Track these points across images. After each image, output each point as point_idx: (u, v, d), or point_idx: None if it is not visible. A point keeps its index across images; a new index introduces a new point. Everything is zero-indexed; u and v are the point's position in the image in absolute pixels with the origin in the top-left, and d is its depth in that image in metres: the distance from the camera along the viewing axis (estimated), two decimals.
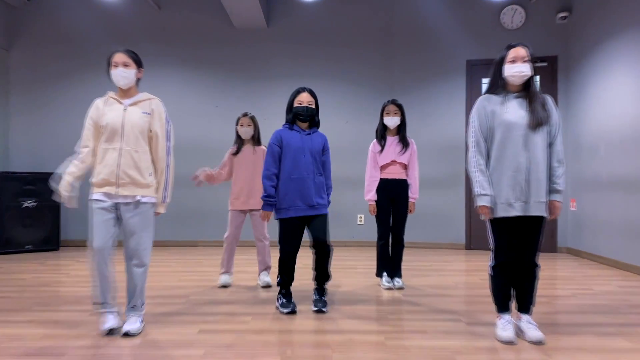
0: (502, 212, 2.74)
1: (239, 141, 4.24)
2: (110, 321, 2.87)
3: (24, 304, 3.55)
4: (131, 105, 2.93)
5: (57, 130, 6.56)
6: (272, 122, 6.56)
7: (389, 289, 4.12)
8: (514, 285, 2.87)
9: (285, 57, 6.81)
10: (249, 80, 6.83)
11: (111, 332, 2.85)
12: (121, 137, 2.84)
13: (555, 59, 6.38)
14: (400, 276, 4.22)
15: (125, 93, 2.96)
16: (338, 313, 3.38)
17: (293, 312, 3.34)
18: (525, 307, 2.86)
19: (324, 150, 3.55)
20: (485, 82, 6.49)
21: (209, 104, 6.80)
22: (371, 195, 4.15)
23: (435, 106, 6.61)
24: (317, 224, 3.41)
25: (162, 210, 3.03)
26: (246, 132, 4.20)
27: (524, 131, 2.73)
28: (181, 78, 6.83)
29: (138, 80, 3.03)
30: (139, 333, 2.89)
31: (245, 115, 4.23)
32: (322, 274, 3.48)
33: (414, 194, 4.22)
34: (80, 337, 2.82)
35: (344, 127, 6.67)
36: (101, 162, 2.84)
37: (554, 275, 4.80)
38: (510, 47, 2.82)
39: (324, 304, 3.42)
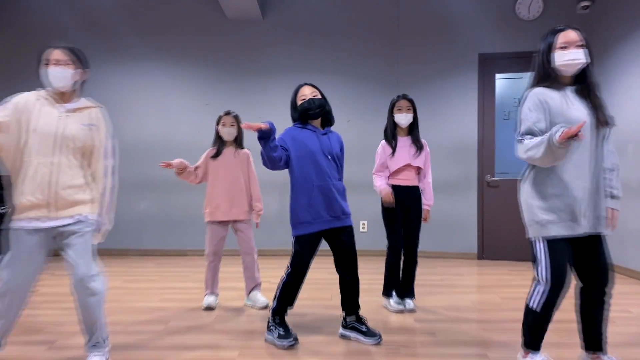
0: (564, 230, 2.24)
1: (219, 142, 3.73)
2: None
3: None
4: (69, 112, 2.42)
5: None
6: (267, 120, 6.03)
7: (399, 311, 3.60)
8: (582, 316, 2.38)
9: (282, 51, 6.29)
10: (243, 76, 6.30)
11: None
12: (53, 149, 2.34)
13: None
14: (412, 296, 3.70)
15: (62, 96, 2.45)
16: (341, 346, 2.87)
17: (295, 343, 2.83)
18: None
19: (342, 151, 3.11)
20: (500, 78, 5.98)
21: (199, 101, 6.28)
22: (383, 181, 3.62)
23: (444, 103, 6.09)
24: (347, 240, 2.93)
25: (99, 239, 2.52)
26: (229, 132, 3.69)
27: (590, 132, 2.24)
28: (168, 73, 6.31)
29: (82, 83, 2.51)
30: None
31: (228, 113, 3.71)
32: (354, 302, 3.00)
33: (428, 200, 3.73)
34: None
35: (346, 126, 6.15)
36: (26, 180, 2.32)
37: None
38: (557, 31, 2.33)
39: (376, 334, 2.94)
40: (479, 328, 3.24)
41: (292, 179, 2.91)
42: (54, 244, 2.40)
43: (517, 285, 4.55)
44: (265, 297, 3.78)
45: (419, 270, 5.17)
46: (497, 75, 5.96)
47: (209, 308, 3.67)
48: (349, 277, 2.96)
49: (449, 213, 6.03)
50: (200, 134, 6.03)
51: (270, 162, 2.77)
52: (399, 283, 3.68)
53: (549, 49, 2.33)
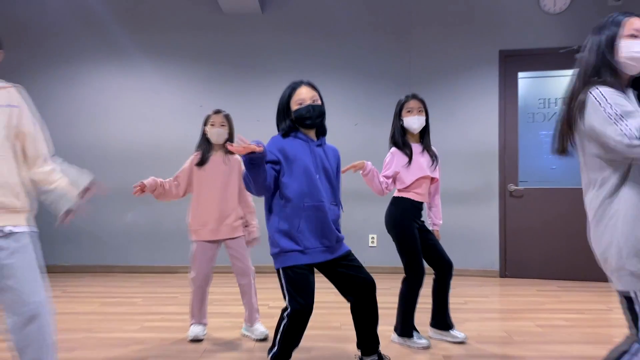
0: None
1: (206, 146, 3.17)
2: None
3: None
4: None
5: None
6: (266, 125, 5.47)
7: (426, 347, 3.00)
8: None
9: (282, 48, 5.76)
10: (240, 75, 5.76)
11: None
12: None
13: None
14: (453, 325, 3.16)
15: None
16: None
17: None
18: None
19: (337, 169, 2.52)
20: (523, 77, 5.44)
21: (193, 102, 5.73)
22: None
23: (462, 104, 5.54)
24: (355, 265, 2.37)
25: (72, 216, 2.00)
26: (218, 134, 3.13)
27: None
28: (158, 72, 5.77)
29: None
30: None
31: (218, 112, 3.17)
32: (373, 337, 2.44)
33: (439, 219, 3.26)
34: None
35: (353, 130, 5.60)
36: None
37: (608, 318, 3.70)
38: (622, 16, 1.80)
39: None
40: None
41: (274, 198, 2.30)
42: None
43: (552, 310, 3.97)
44: (264, 326, 3.19)
45: None
46: (520, 74, 5.42)
47: (196, 340, 3.09)
48: (364, 305, 2.38)
49: (467, 226, 5.45)
50: (193, 138, 5.46)
51: (258, 189, 2.18)
52: (435, 316, 3.14)
53: (612, 39, 1.78)
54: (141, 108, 5.75)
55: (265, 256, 5.84)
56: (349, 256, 2.39)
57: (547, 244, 5.21)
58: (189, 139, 5.50)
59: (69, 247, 5.56)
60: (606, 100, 1.71)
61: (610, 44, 1.80)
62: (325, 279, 2.39)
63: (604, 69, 1.80)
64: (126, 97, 5.76)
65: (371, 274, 2.39)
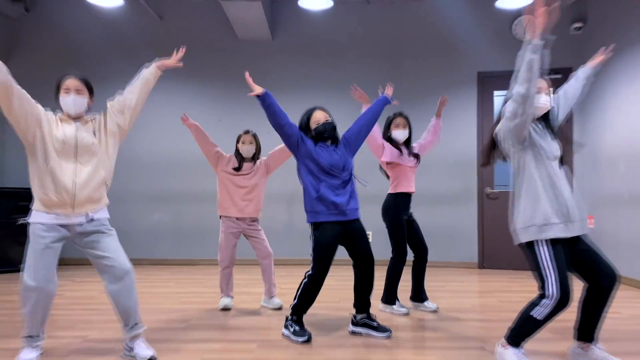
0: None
1: (240, 159, 4.02)
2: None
3: (14, 329, 3.29)
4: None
5: None
6: (276, 136, 6.32)
7: (406, 314, 3.83)
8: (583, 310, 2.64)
9: (290, 69, 6.62)
10: None
11: None
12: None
13: (569, 71, 6.11)
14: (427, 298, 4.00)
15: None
16: (352, 340, 3.12)
17: (309, 340, 3.07)
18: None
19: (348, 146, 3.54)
20: (498, 95, 6.28)
21: (212, 116, 6.59)
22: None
23: (445, 119, 6.31)
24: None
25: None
26: (248, 150, 3.99)
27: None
28: (183, 90, 6.63)
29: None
30: None
31: (247, 132, 4.04)
32: (366, 300, 3.31)
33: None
34: None
35: None
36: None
37: (577, 298, 4.51)
38: None
39: (387, 329, 3.22)
40: (479, 326, 3.49)
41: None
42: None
43: (515, 291, 4.79)
44: (279, 298, 4.02)
45: None
46: (496, 93, 6.26)
47: (226, 309, 3.92)
48: (363, 274, 3.22)
49: (450, 224, 6.30)
50: None
51: (273, 124, 3.29)
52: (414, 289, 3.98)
53: None
54: (167, 122, 6.60)
55: (278, 249, 6.69)
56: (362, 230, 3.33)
57: None
58: None
59: None
60: None
61: None
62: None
63: None
64: (153, 113, 6.61)
65: None
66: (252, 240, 4.00)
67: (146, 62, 3.27)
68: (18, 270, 5.91)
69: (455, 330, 3.36)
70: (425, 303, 3.94)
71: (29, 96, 2.60)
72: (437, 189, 6.24)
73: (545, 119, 2.71)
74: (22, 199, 5.84)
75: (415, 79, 6.47)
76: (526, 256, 2.60)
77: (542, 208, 2.48)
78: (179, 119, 6.64)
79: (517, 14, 6.24)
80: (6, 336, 3.15)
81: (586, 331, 2.61)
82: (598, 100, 5.75)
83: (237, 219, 3.92)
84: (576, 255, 2.55)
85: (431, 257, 6.25)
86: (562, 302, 2.42)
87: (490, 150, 2.77)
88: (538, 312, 2.46)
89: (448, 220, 6.29)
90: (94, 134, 2.73)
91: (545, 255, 2.47)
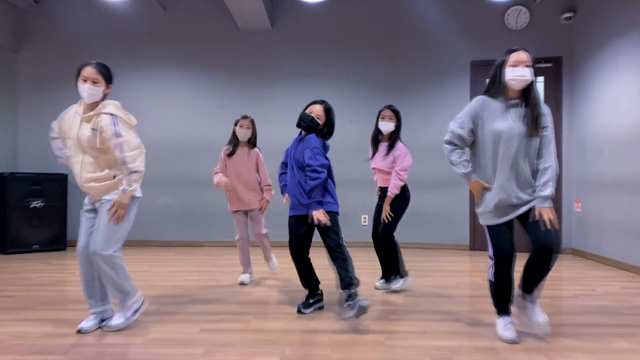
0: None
1: (235, 142, 4.28)
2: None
3: (30, 303, 3.60)
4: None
5: None
6: (276, 124, 6.59)
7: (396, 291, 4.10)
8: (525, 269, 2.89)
9: (289, 58, 6.84)
10: (254, 82, 6.86)
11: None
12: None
13: (559, 60, 6.36)
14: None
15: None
16: (334, 311, 3.40)
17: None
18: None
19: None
20: None
21: (214, 105, 6.84)
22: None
23: (439, 106, 6.61)
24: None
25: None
26: (244, 134, 4.24)
27: (517, 141, 2.74)
28: (186, 79, 6.88)
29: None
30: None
31: (245, 117, 4.27)
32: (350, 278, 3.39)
33: (391, 189, 4.04)
34: (83, 336, 2.86)
35: (348, 128, 6.68)
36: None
37: (557, 276, 4.78)
38: (511, 51, 2.82)
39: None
40: (458, 301, 3.76)
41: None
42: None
43: None
44: (275, 258, 4.63)
45: (413, 258, 5.72)
46: (487, 81, 6.44)
47: (242, 284, 4.30)
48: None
49: (443, 208, 6.55)
50: (215, 135, 6.58)
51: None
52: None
53: (502, 65, 2.83)
54: (171, 110, 6.86)
55: (279, 232, 6.78)
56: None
57: None
58: (211, 135, 6.66)
59: None
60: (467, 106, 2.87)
61: (500, 68, 2.85)
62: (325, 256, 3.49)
63: (496, 85, 2.87)
64: (161, 101, 6.86)
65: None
66: (251, 220, 4.36)
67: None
68: (32, 251, 6.22)
69: (435, 306, 3.63)
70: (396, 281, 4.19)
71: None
72: (431, 174, 6.48)
73: (526, 92, 2.78)
74: (34, 183, 6.16)
75: (410, 68, 6.67)
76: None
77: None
78: (183, 106, 6.95)
79: (510, 3, 6.41)
80: (23, 309, 3.46)
81: (525, 284, 2.87)
82: (586, 88, 5.95)
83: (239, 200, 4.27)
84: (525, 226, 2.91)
85: (424, 239, 6.59)
86: (499, 259, 2.84)
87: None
88: (489, 274, 2.91)
89: (441, 203, 6.55)
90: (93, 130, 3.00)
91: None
